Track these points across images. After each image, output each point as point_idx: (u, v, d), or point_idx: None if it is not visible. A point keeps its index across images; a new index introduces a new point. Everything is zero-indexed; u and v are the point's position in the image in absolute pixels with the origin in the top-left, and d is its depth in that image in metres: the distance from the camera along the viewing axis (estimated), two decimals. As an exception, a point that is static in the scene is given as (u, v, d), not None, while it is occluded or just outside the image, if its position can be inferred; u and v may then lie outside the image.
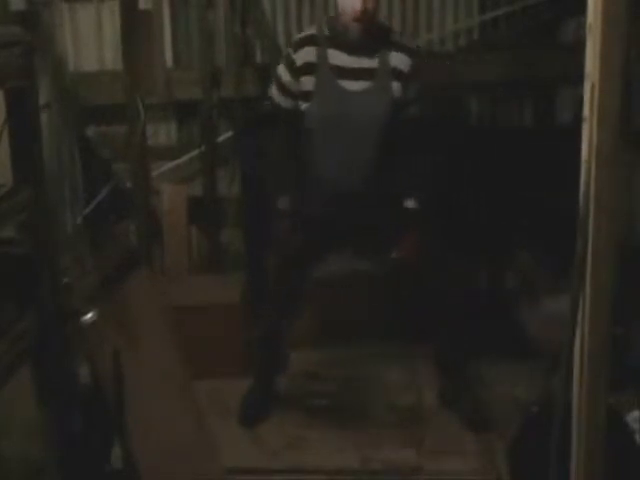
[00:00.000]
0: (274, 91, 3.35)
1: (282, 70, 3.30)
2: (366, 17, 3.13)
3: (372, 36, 3.21)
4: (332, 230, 3.32)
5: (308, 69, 3.23)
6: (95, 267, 2.72)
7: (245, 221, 4.39)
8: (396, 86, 3.22)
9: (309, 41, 3.26)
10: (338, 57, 3.22)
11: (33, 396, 2.18)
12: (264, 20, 4.45)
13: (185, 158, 4.52)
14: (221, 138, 4.48)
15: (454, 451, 3.22)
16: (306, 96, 3.25)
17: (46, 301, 2.14)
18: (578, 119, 2.13)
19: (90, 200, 3.59)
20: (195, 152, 4.49)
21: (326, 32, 3.26)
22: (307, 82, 3.24)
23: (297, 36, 3.37)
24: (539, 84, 4.47)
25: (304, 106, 3.26)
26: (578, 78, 2.15)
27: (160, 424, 2.64)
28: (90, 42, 4.47)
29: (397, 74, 3.22)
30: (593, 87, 2.02)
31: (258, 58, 4.48)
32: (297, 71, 3.25)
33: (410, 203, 3.30)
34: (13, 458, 2.23)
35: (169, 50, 4.45)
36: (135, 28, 3.87)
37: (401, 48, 3.24)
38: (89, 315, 2.40)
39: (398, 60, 3.22)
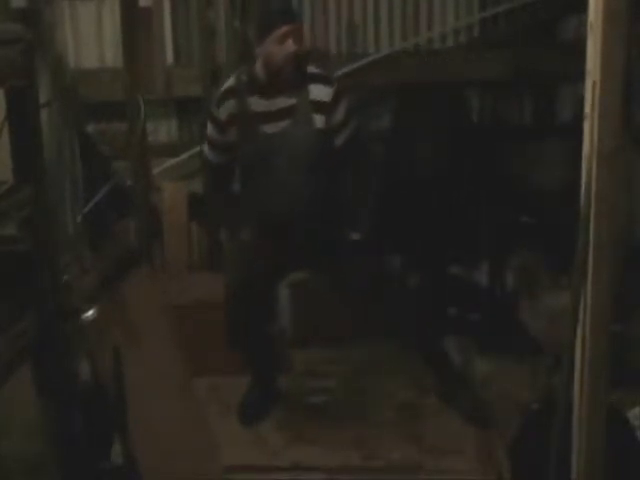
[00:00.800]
0: (206, 149, 3.42)
1: (209, 128, 3.35)
2: (299, 58, 3.15)
3: (287, 74, 3.19)
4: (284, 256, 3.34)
5: (232, 121, 3.27)
6: (95, 265, 2.72)
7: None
8: (318, 118, 3.22)
9: (229, 94, 3.28)
10: (258, 103, 3.24)
11: (33, 394, 2.18)
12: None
13: (185, 155, 4.52)
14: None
15: (454, 449, 3.22)
16: (232, 147, 3.31)
17: (46, 299, 2.14)
18: (579, 117, 2.13)
19: (90, 198, 3.58)
20: (195, 149, 4.48)
21: (244, 80, 3.27)
22: (232, 134, 3.28)
23: (219, 91, 3.36)
24: (539, 82, 4.47)
25: (233, 156, 3.33)
26: (579, 76, 2.15)
27: (160, 421, 2.65)
28: (90, 40, 4.47)
29: (318, 106, 3.21)
30: (594, 85, 2.02)
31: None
32: (223, 125, 3.29)
33: (355, 235, 3.33)
34: (13, 456, 2.23)
35: (169, 47, 4.45)
36: (135, 25, 3.87)
37: (317, 79, 3.24)
38: (89, 313, 2.41)
39: (317, 92, 3.22)
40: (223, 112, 3.28)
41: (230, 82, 3.32)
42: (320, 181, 3.30)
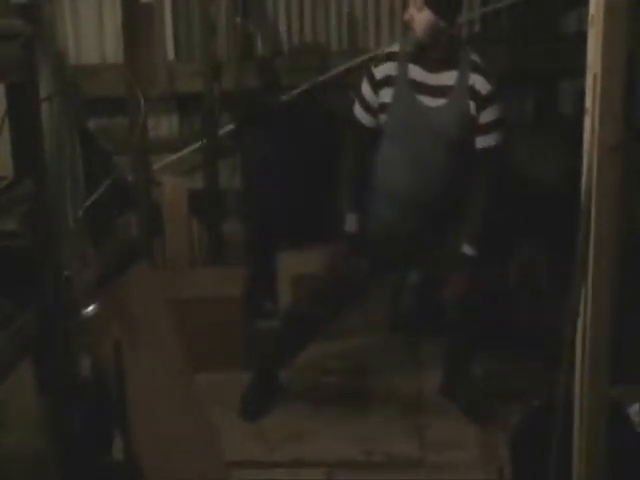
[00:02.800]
0: (358, 109, 3.34)
1: (364, 87, 3.31)
2: (429, 35, 3.13)
3: (449, 52, 3.20)
4: (392, 250, 3.34)
5: (387, 82, 3.24)
6: (96, 260, 2.72)
7: (249, 214, 4.39)
8: (472, 105, 3.18)
9: (390, 57, 3.26)
10: (417, 72, 3.21)
11: (34, 389, 2.18)
12: (265, 12, 4.45)
13: (186, 151, 4.52)
14: (222, 131, 4.48)
15: (456, 443, 3.23)
16: (384, 108, 3.26)
17: (47, 294, 2.14)
18: (580, 111, 2.13)
19: (91, 193, 3.58)
20: (196, 145, 4.48)
21: (407, 48, 3.24)
22: (386, 95, 3.24)
23: (381, 53, 3.37)
24: (541, 76, 4.47)
25: (383, 119, 3.27)
26: (580, 70, 2.14)
27: (161, 416, 2.65)
28: (91, 35, 4.47)
29: (474, 93, 3.17)
30: (595, 79, 2.01)
31: (259, 50, 4.47)
32: (377, 84, 3.25)
33: (467, 249, 3.26)
34: (14, 451, 2.23)
35: (170, 43, 4.45)
36: (136, 21, 3.87)
37: (478, 69, 3.20)
38: (90, 308, 2.41)
39: (475, 80, 3.18)
40: (380, 72, 3.24)
41: (394, 47, 3.30)
42: (456, 173, 3.26)
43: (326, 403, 3.54)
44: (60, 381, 2.20)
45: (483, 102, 3.18)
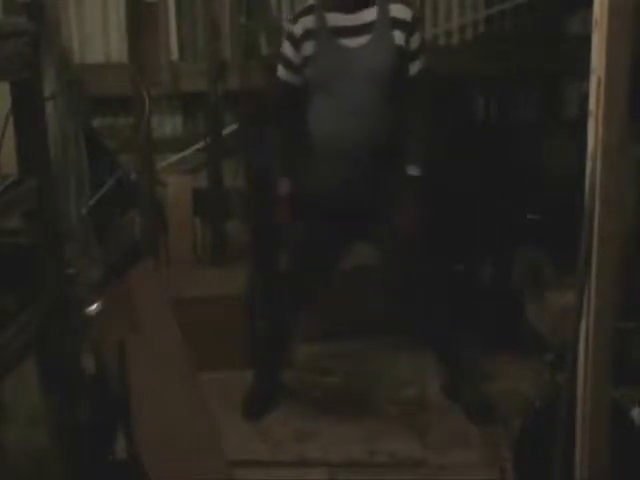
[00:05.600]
0: (280, 70, 3.32)
1: (285, 45, 3.29)
2: None
3: None
4: (337, 207, 3.28)
5: (308, 36, 3.21)
6: (100, 259, 2.73)
7: (253, 219, 4.39)
8: (398, 35, 3.17)
9: (307, 11, 3.24)
10: (336, 18, 3.20)
11: (38, 386, 2.18)
12: (269, 12, 4.45)
13: (190, 150, 4.52)
14: (226, 130, 4.48)
15: (458, 444, 3.23)
16: (307, 62, 3.23)
17: (51, 291, 2.15)
18: (584, 113, 2.13)
19: (95, 192, 3.59)
20: (200, 144, 4.49)
21: None
22: (308, 48, 3.22)
23: (297, 10, 3.35)
24: (545, 78, 4.46)
25: (308, 74, 3.24)
26: (584, 72, 2.14)
27: (164, 415, 2.65)
28: (96, 35, 4.47)
29: (398, 23, 3.17)
30: (599, 81, 2.01)
31: (263, 50, 4.47)
32: (297, 41, 3.23)
33: (412, 169, 3.24)
34: (18, 448, 2.23)
35: (174, 42, 4.44)
36: (141, 20, 3.88)
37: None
38: (94, 306, 2.41)
39: (397, 10, 3.17)
40: (299, 28, 3.22)
41: (308, 2, 3.29)
42: (392, 107, 3.23)
43: (329, 403, 3.54)
44: (63, 379, 2.20)
45: (409, 28, 3.18)
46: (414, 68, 3.23)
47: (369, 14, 3.19)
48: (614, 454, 2.21)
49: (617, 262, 2.10)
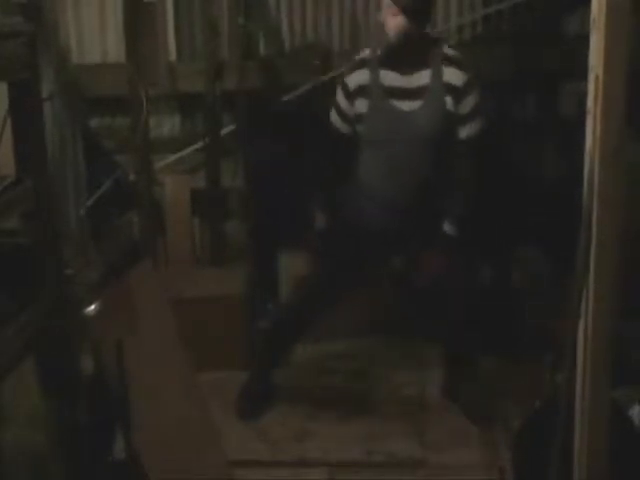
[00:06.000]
0: (334, 117, 3.36)
1: (339, 96, 3.32)
2: (399, 40, 3.13)
3: (421, 51, 3.19)
4: (370, 246, 3.34)
5: (361, 92, 3.23)
6: (98, 259, 2.73)
7: (253, 217, 4.39)
8: (450, 101, 3.17)
9: (361, 64, 3.25)
10: (390, 77, 3.21)
11: (37, 387, 2.18)
12: (267, 12, 4.45)
13: (188, 150, 4.51)
14: (224, 130, 4.47)
15: (458, 444, 3.23)
16: (359, 118, 3.26)
17: (50, 292, 2.14)
18: (582, 112, 2.13)
19: (93, 192, 3.59)
20: (198, 145, 4.48)
21: (378, 52, 3.23)
22: (360, 105, 3.24)
23: (352, 60, 3.34)
24: (543, 77, 4.46)
25: (359, 128, 3.28)
26: (582, 72, 2.14)
27: (163, 415, 2.65)
28: (93, 35, 4.46)
29: (450, 89, 3.17)
30: (597, 79, 2.01)
31: (261, 50, 4.47)
32: (351, 95, 3.26)
33: (448, 228, 3.27)
34: (17, 448, 2.23)
35: (172, 42, 4.44)
36: (138, 20, 3.87)
37: (453, 62, 3.19)
38: (92, 306, 2.41)
39: (450, 75, 3.17)
40: (353, 82, 3.24)
41: (364, 53, 3.29)
42: (439, 167, 3.24)
43: (328, 403, 3.54)
44: (62, 380, 2.20)
45: (459, 94, 3.17)
46: (464, 133, 3.22)
47: (423, 77, 3.19)
48: (612, 454, 2.21)
49: (616, 262, 2.10)
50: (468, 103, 3.19)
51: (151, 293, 2.87)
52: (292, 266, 4.00)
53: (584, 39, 2.11)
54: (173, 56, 4.45)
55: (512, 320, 3.82)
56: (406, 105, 3.19)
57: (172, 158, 4.50)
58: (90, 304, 2.41)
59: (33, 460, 2.26)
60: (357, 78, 3.23)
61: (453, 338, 3.44)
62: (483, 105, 3.24)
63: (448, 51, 3.21)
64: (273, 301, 4.13)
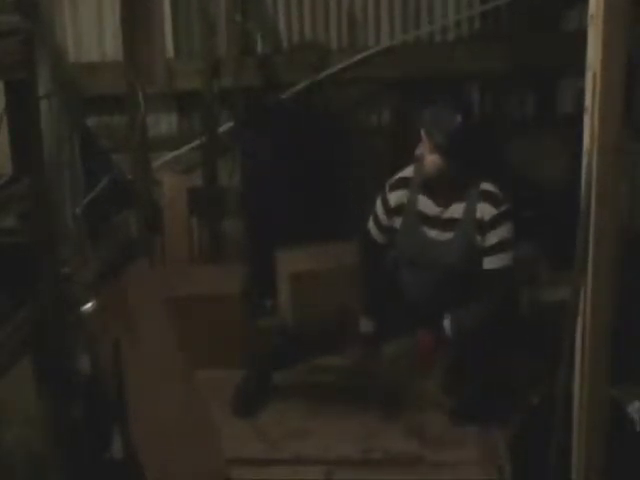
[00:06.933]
0: (372, 226, 3.46)
1: (379, 208, 3.41)
2: (430, 173, 3.22)
3: (457, 186, 3.26)
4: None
5: (400, 211, 3.35)
6: (95, 258, 2.72)
7: (248, 212, 4.39)
8: (479, 236, 3.25)
9: (403, 184, 3.35)
10: (426, 204, 3.32)
11: (34, 385, 2.18)
12: (265, 10, 4.45)
13: (186, 149, 4.51)
14: (222, 128, 4.47)
15: (455, 441, 3.22)
16: (394, 235, 3.39)
17: (46, 291, 2.14)
18: (579, 110, 2.13)
19: (90, 190, 3.58)
20: (196, 143, 4.48)
21: (419, 177, 3.31)
22: (397, 223, 3.36)
23: (395, 176, 3.41)
24: (541, 74, 4.46)
25: (392, 241, 3.41)
26: (580, 68, 2.14)
27: (161, 414, 2.64)
28: (91, 33, 4.46)
29: (480, 224, 3.24)
30: (595, 77, 2.01)
31: (259, 48, 4.47)
32: (391, 211, 3.37)
33: (446, 325, 3.31)
34: (13, 448, 2.23)
35: (170, 40, 4.43)
36: (136, 18, 3.86)
37: (487, 198, 3.25)
38: (89, 305, 2.40)
39: (483, 210, 3.24)
40: (394, 199, 3.36)
41: (407, 171, 3.37)
42: (456, 296, 3.30)
43: (325, 401, 3.53)
44: (59, 378, 2.20)
45: (487, 228, 3.24)
46: (487, 264, 3.26)
47: (457, 210, 3.27)
48: (611, 450, 2.21)
49: (613, 259, 2.10)
50: (494, 236, 3.24)
51: (148, 291, 2.86)
52: (290, 264, 4.00)
53: (582, 35, 2.11)
54: (170, 54, 4.45)
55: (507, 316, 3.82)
56: (438, 235, 3.31)
57: (169, 156, 4.50)
58: (87, 302, 2.40)
59: (31, 459, 2.26)
60: (398, 197, 3.35)
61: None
62: (510, 241, 3.28)
63: (485, 186, 3.27)
64: (270, 299, 4.12)
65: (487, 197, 3.25)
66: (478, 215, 3.24)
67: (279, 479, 3.06)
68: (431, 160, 3.20)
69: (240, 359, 3.70)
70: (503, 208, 3.25)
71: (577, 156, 2.14)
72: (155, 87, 4.20)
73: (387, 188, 3.39)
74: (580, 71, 2.14)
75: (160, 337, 2.84)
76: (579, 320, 2.18)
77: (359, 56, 4.42)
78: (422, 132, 3.22)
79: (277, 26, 4.50)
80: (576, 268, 2.13)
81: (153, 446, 2.54)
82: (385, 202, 3.38)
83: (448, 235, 3.29)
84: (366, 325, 3.44)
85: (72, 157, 2.91)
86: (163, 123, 4.59)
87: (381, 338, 3.49)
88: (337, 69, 4.44)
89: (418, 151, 3.26)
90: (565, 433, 2.27)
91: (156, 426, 2.61)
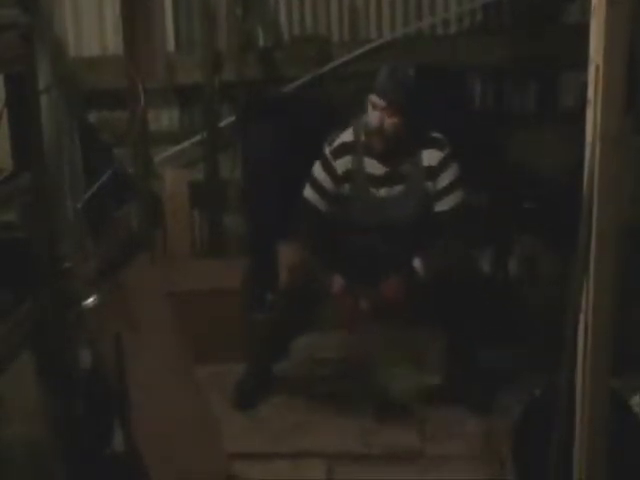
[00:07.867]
0: (310, 193, 3.38)
1: (321, 174, 3.35)
2: (383, 135, 3.18)
3: (404, 142, 3.23)
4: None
5: (347, 177, 3.31)
6: (96, 252, 2.72)
7: (249, 207, 4.39)
8: (430, 184, 3.26)
9: (346, 149, 3.31)
10: (373, 165, 3.29)
11: (35, 380, 2.18)
12: (266, 3, 4.44)
13: (187, 143, 4.51)
14: (223, 123, 4.47)
15: (456, 435, 3.22)
16: (341, 201, 3.34)
17: (47, 286, 2.14)
18: (582, 102, 2.12)
19: (91, 185, 3.57)
20: (197, 137, 4.48)
21: (362, 139, 3.29)
22: (345, 190, 3.33)
23: (336, 141, 3.34)
24: (542, 67, 4.45)
25: (338, 209, 3.36)
26: (582, 61, 2.13)
27: (162, 408, 2.64)
28: (91, 27, 4.46)
29: (429, 172, 3.25)
30: (597, 69, 2.00)
31: (260, 42, 4.46)
32: (339, 179, 3.31)
33: (417, 265, 3.27)
34: (15, 444, 2.23)
35: (171, 34, 4.43)
36: (136, 12, 3.85)
37: (431, 143, 3.26)
38: (90, 300, 2.40)
39: (430, 156, 3.25)
40: (341, 166, 3.31)
41: (347, 135, 3.33)
42: (412, 248, 3.28)
43: (326, 395, 3.53)
44: (60, 374, 2.20)
45: (437, 172, 3.25)
46: (438, 207, 3.27)
47: (403, 163, 3.27)
48: (613, 443, 2.20)
49: (616, 252, 2.10)
50: (443, 180, 3.26)
51: (150, 286, 2.86)
52: (291, 258, 4.00)
53: (584, 28, 2.10)
54: (171, 48, 4.44)
55: (510, 308, 3.82)
56: (387, 192, 3.30)
57: (171, 151, 4.49)
58: (88, 298, 2.40)
59: (32, 454, 2.26)
60: (344, 164, 3.30)
61: (452, 326, 3.43)
62: (460, 180, 3.29)
63: (428, 133, 3.28)
64: (272, 293, 4.13)
65: (431, 143, 3.26)
66: (425, 163, 3.24)
67: (280, 473, 3.05)
68: (391, 122, 3.16)
69: (241, 353, 3.70)
70: (447, 150, 3.26)
71: (579, 149, 2.14)
72: (156, 81, 4.20)
73: (329, 155, 3.33)
74: (582, 64, 2.13)
75: (161, 332, 2.84)
76: (581, 312, 2.17)
77: (361, 49, 4.41)
78: (373, 97, 3.17)
79: (278, 19, 4.49)
80: (578, 261, 2.13)
81: (154, 441, 2.54)
82: (331, 169, 3.31)
83: (398, 189, 3.28)
84: (337, 283, 3.33)
85: (72, 151, 2.90)
86: (164, 117, 4.59)
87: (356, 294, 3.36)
88: (339, 62, 4.43)
89: (372, 119, 3.18)
90: (567, 426, 2.26)
91: (157, 420, 2.61)
